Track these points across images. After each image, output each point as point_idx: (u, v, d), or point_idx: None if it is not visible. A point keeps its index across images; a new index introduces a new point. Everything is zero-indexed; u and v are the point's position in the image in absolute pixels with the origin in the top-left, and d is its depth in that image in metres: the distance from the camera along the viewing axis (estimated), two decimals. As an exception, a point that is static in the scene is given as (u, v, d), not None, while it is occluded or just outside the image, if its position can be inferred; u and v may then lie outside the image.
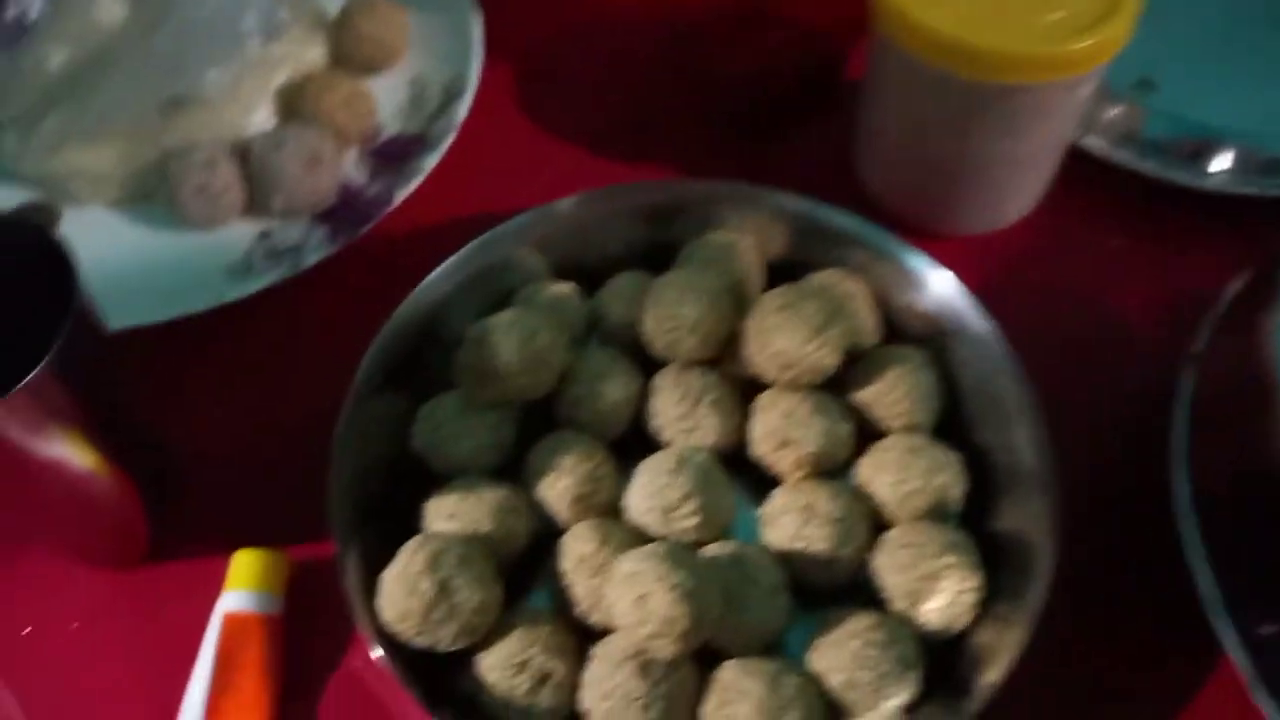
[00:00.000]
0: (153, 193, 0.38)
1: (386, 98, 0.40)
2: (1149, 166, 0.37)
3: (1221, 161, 0.37)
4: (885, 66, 0.33)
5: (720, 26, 0.40)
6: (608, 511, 0.28)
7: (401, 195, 0.36)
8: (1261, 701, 0.24)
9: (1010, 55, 0.30)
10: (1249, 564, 0.26)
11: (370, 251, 0.36)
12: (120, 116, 0.37)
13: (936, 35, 0.30)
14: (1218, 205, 0.37)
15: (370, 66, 0.41)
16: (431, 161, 0.37)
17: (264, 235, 0.36)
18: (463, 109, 0.38)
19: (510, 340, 0.28)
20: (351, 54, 0.40)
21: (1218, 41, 0.39)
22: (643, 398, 0.30)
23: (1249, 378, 0.28)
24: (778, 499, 0.28)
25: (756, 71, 0.40)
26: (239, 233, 0.37)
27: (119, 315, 0.29)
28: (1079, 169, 0.37)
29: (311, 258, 0.35)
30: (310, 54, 0.40)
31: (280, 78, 0.39)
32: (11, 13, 0.40)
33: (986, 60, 0.30)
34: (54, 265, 0.25)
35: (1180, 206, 0.37)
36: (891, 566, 0.27)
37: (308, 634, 0.29)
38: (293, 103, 0.39)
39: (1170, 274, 0.36)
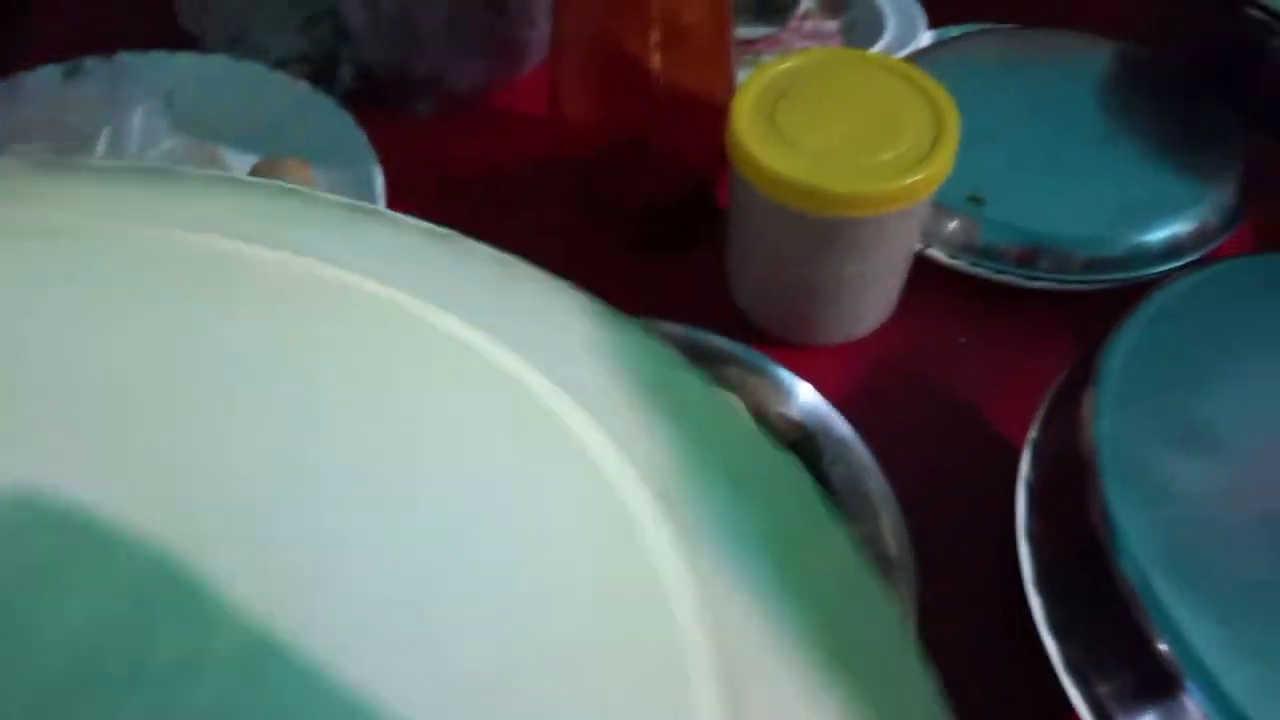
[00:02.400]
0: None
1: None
2: (985, 270, 0.42)
3: (1046, 264, 0.42)
4: (743, 201, 0.38)
5: (608, 161, 0.44)
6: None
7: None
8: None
9: (852, 195, 0.34)
10: (1086, 631, 0.30)
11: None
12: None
13: (785, 179, 0.35)
14: (1051, 301, 0.42)
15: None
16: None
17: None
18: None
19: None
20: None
21: (1040, 159, 0.44)
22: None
23: (1072, 459, 0.32)
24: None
25: (643, 201, 0.44)
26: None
27: None
28: (926, 277, 0.42)
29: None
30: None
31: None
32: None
33: (831, 199, 0.35)
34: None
35: (1018, 305, 0.42)
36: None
37: None
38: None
39: (1012, 366, 0.41)
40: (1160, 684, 0.28)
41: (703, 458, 0.20)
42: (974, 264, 0.42)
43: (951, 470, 0.37)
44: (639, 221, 0.44)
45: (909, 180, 0.34)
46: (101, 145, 0.43)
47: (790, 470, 0.24)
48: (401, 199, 0.45)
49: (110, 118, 0.44)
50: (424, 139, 0.49)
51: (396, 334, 0.19)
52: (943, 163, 0.35)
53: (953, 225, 0.42)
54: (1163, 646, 0.27)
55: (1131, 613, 0.28)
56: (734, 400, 0.28)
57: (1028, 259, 0.42)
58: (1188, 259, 0.42)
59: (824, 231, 0.36)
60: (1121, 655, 0.29)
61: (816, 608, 0.19)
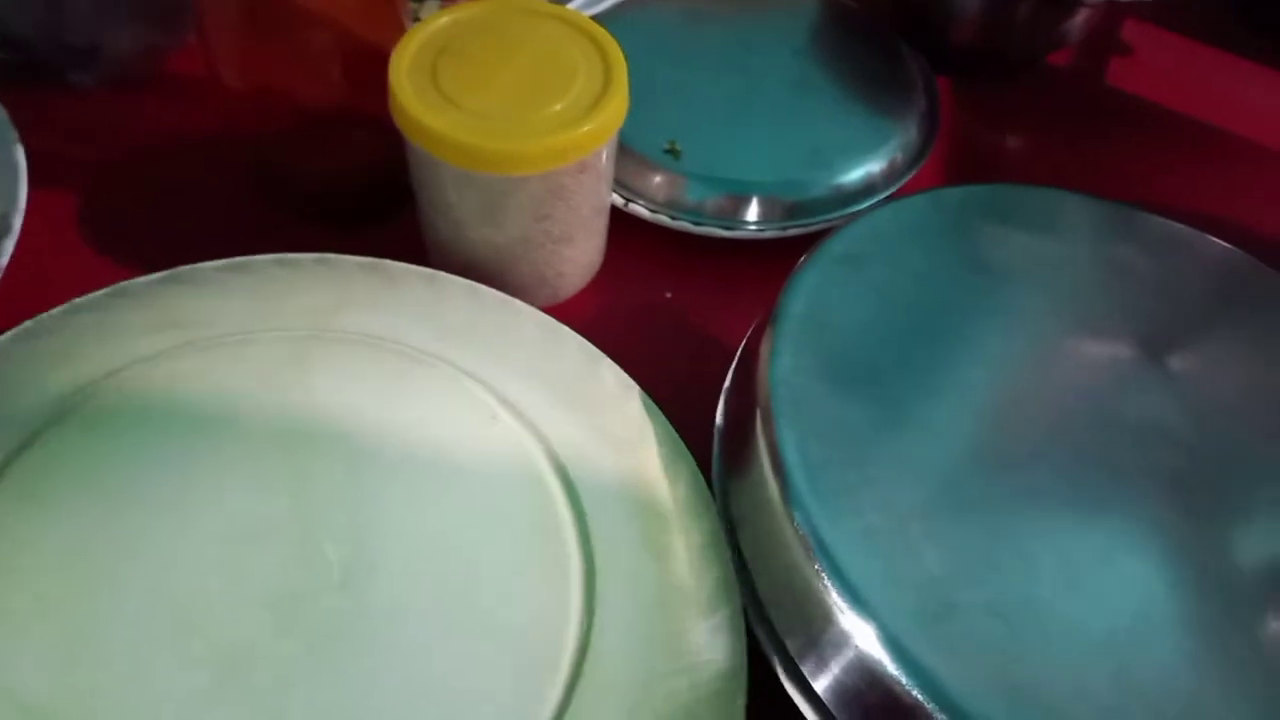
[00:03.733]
0: None
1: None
2: (687, 224, 0.41)
3: (752, 213, 0.42)
4: (416, 165, 0.36)
5: (303, 131, 0.41)
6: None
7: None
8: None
9: (518, 152, 0.33)
10: (768, 568, 0.30)
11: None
12: None
13: (448, 139, 0.33)
14: (760, 249, 0.42)
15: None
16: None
17: None
18: (8, 245, 0.37)
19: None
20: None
21: (739, 109, 0.44)
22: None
23: (751, 403, 0.32)
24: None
25: (341, 169, 0.41)
26: None
27: None
28: (633, 234, 0.41)
29: None
30: None
31: None
32: None
33: (498, 157, 0.33)
34: None
35: (726, 256, 0.42)
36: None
37: None
38: None
39: (718, 317, 0.40)
40: (822, 613, 0.28)
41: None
42: (675, 218, 0.41)
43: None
44: (340, 193, 0.42)
45: (575, 133, 0.33)
46: None
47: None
48: (53, 179, 0.41)
49: None
50: (84, 114, 0.45)
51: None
52: (612, 112, 0.34)
53: (657, 180, 0.42)
54: (825, 581, 0.27)
55: (798, 548, 0.29)
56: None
57: (732, 210, 0.42)
58: (881, 196, 0.43)
59: (497, 191, 0.34)
60: (792, 589, 0.29)
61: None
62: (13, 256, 0.37)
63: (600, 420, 0.32)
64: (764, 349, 0.33)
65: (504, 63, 0.35)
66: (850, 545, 0.28)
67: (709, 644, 0.28)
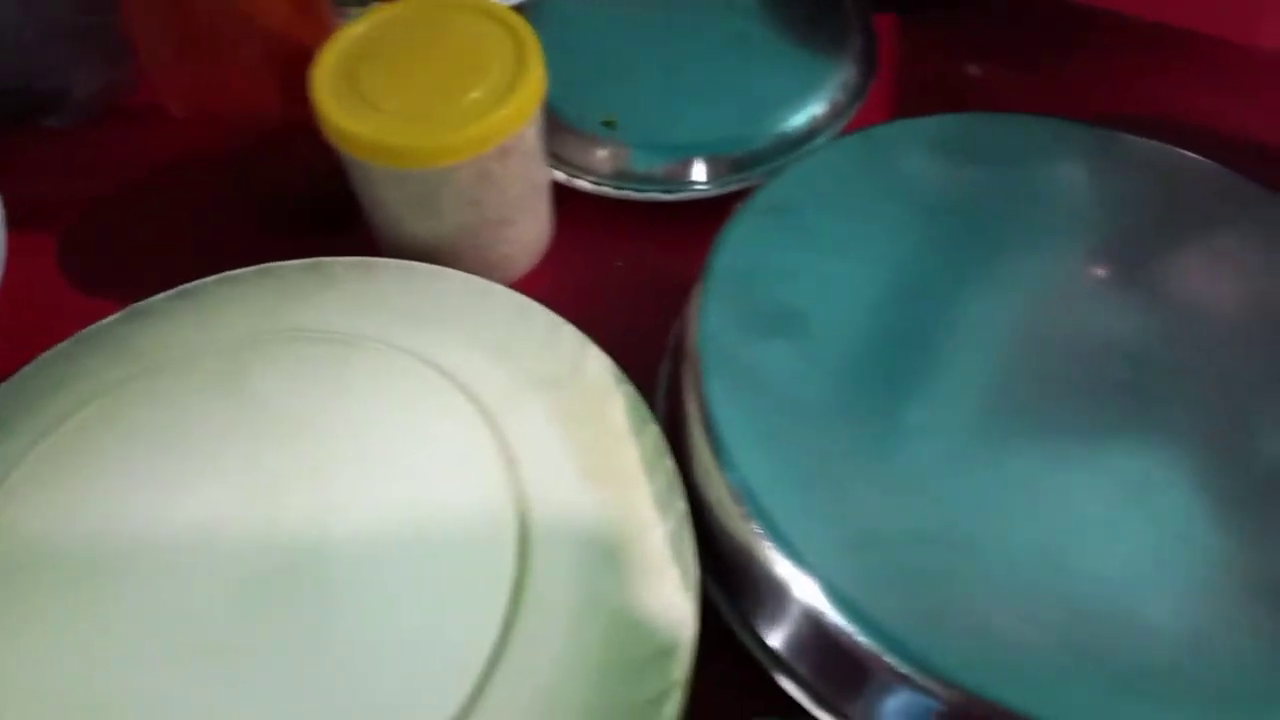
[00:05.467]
0: None
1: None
2: (632, 192, 0.42)
3: (699, 173, 0.43)
4: (351, 168, 0.37)
5: (254, 147, 0.42)
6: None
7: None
8: None
9: (438, 145, 0.34)
10: (703, 517, 0.31)
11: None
12: None
13: (369, 141, 0.34)
14: (713, 209, 0.43)
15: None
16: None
17: None
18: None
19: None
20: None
21: (674, 73, 0.44)
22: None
23: (684, 355, 0.33)
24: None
25: (295, 179, 0.43)
26: None
27: None
28: (582, 208, 0.43)
29: None
30: None
31: None
32: None
33: (419, 154, 0.34)
34: None
35: (678, 220, 0.43)
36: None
37: None
38: None
39: (670, 281, 0.41)
40: (752, 556, 0.29)
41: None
42: (620, 187, 0.42)
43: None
44: (281, 210, 0.44)
45: (492, 119, 0.34)
46: None
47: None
48: (33, 218, 0.43)
49: None
50: (58, 152, 0.47)
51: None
52: (527, 94, 0.35)
53: (599, 154, 0.43)
54: (753, 524, 0.28)
55: (730, 502, 0.30)
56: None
57: (677, 173, 0.43)
58: (821, 141, 0.43)
59: (426, 185, 0.36)
60: (722, 535, 0.30)
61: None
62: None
63: (537, 365, 0.34)
64: (693, 305, 0.34)
65: (419, 60, 0.36)
66: (781, 494, 0.29)
67: (660, 602, 0.30)
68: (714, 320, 0.33)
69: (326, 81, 0.35)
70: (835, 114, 0.44)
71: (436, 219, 0.37)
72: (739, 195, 0.42)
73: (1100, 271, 0.33)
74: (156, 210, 0.46)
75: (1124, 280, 0.33)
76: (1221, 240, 0.35)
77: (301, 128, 0.40)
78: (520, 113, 0.35)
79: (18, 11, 0.44)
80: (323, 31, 0.39)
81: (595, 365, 0.34)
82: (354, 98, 0.35)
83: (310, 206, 0.43)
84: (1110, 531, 0.28)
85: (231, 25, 0.37)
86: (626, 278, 0.42)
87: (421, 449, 0.31)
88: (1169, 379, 0.31)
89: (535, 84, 0.35)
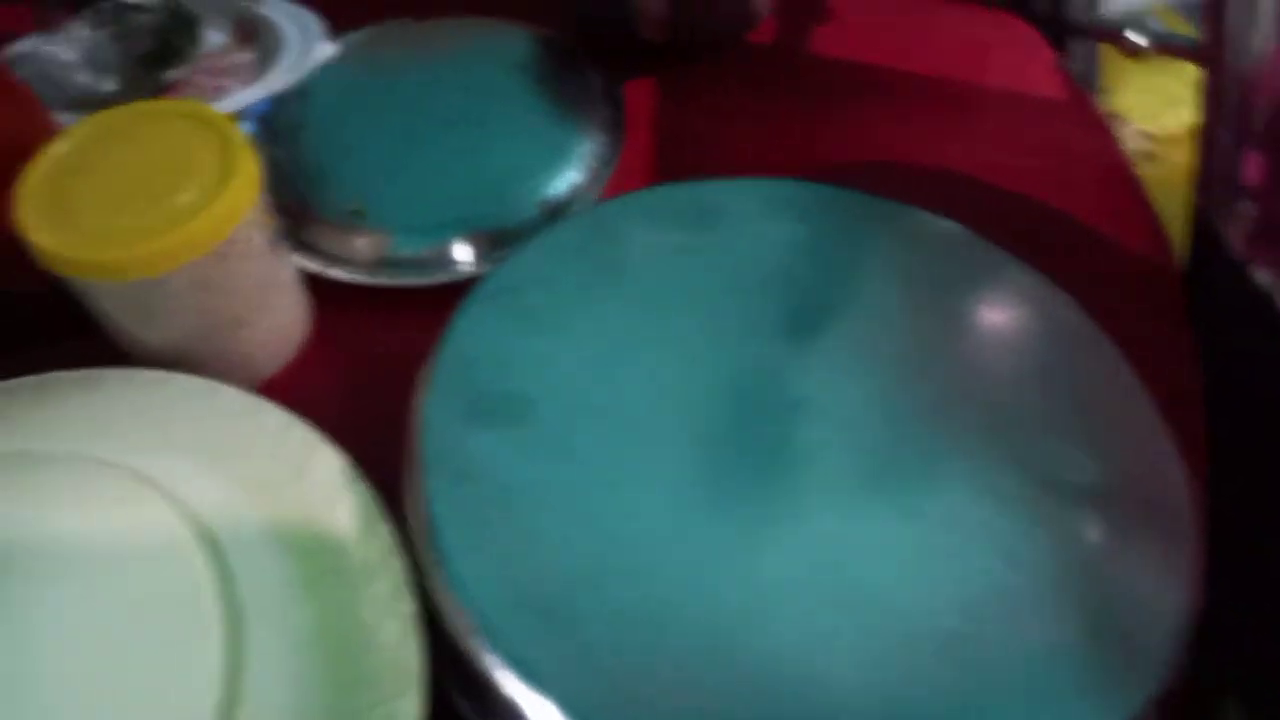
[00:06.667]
0: None
1: None
2: (386, 279, 0.42)
3: (458, 253, 0.42)
4: (70, 282, 0.36)
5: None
6: None
7: None
8: None
9: (146, 254, 0.33)
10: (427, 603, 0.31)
11: None
12: None
13: (69, 258, 0.33)
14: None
15: None
16: None
17: None
18: None
19: None
20: None
21: (422, 154, 0.44)
22: None
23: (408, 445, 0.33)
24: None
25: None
26: None
27: None
28: (340, 298, 0.42)
29: None
30: None
31: None
32: None
33: (129, 264, 0.34)
34: None
35: (438, 301, 0.42)
36: None
37: None
38: None
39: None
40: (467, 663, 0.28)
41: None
42: (374, 275, 0.42)
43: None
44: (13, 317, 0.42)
45: (193, 224, 0.34)
46: None
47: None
48: None
49: None
50: None
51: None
52: (234, 195, 0.34)
53: (351, 242, 0.42)
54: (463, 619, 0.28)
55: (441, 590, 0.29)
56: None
57: (436, 257, 0.42)
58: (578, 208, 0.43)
59: (142, 295, 0.35)
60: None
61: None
62: None
63: (258, 469, 0.33)
64: (417, 396, 0.33)
65: (126, 169, 0.35)
66: (491, 585, 0.29)
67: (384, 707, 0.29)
68: (435, 412, 0.33)
69: (30, 198, 0.34)
70: (587, 184, 0.44)
71: (161, 327, 0.36)
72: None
73: (806, 331, 0.34)
74: None
75: (828, 339, 0.34)
76: (930, 293, 0.35)
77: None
78: (231, 213, 0.35)
79: None
80: (44, 135, 0.38)
81: (325, 466, 0.34)
82: (59, 213, 0.34)
83: (28, 317, 0.42)
84: (802, 595, 0.28)
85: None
86: (384, 368, 0.41)
87: (124, 564, 0.30)
88: (864, 435, 0.31)
89: (245, 183, 0.35)
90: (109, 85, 0.50)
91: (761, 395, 0.33)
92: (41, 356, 0.39)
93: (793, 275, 0.35)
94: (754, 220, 0.37)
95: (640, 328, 0.34)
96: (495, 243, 0.42)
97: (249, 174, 0.35)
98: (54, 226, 0.34)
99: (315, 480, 0.33)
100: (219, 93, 0.48)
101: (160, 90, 0.50)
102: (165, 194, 0.34)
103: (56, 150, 0.36)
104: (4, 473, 0.32)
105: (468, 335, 0.34)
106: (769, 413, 0.32)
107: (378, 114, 0.46)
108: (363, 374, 0.41)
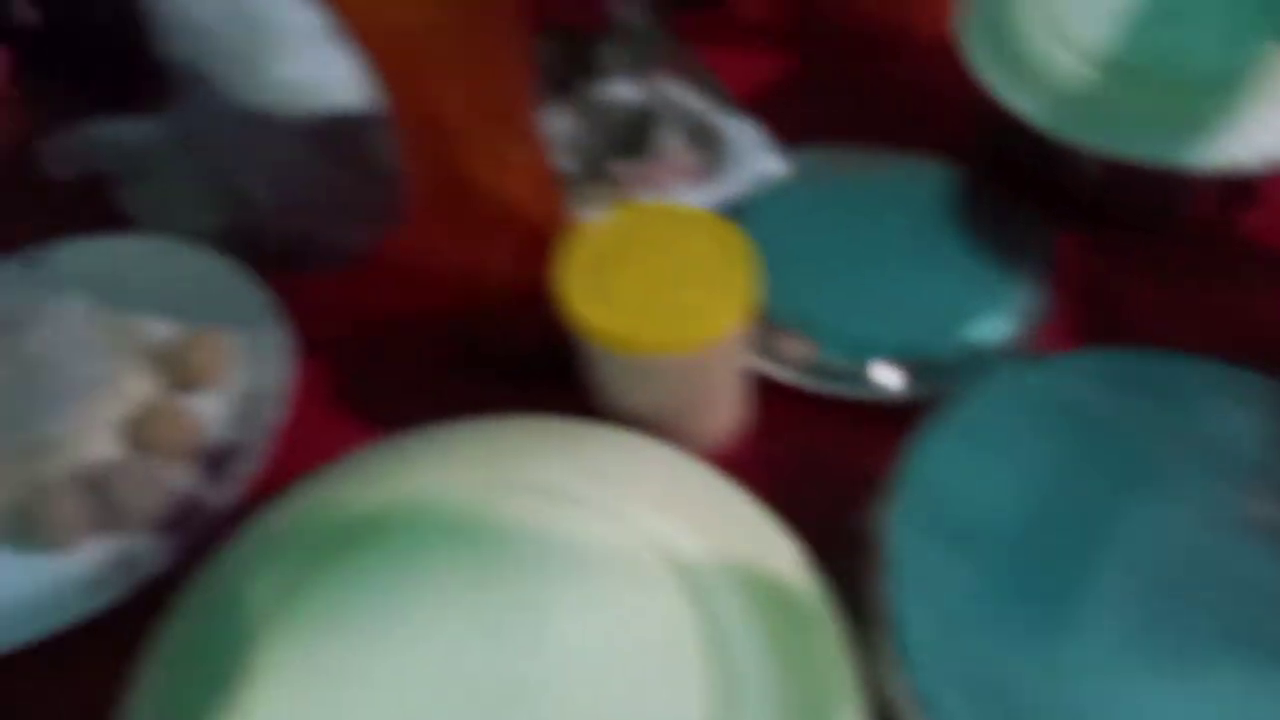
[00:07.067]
0: (12, 523, 0.45)
1: (213, 413, 0.49)
2: (818, 385, 0.47)
3: (883, 375, 0.47)
4: (580, 345, 0.43)
5: (498, 310, 0.48)
6: None
7: (233, 497, 0.44)
8: None
9: (663, 338, 0.40)
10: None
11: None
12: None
13: (605, 331, 0.40)
14: (891, 409, 0.46)
15: (197, 387, 0.49)
16: (250, 464, 0.45)
17: (115, 552, 0.44)
18: (279, 413, 0.47)
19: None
20: (181, 380, 0.49)
21: (868, 276, 0.49)
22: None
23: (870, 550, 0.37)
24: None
25: (521, 335, 0.49)
26: (93, 552, 0.44)
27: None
28: (773, 394, 0.47)
29: (161, 567, 0.42)
30: (147, 389, 0.49)
31: (118, 410, 0.47)
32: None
33: (644, 343, 0.40)
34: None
35: (861, 415, 0.47)
36: None
37: None
38: (131, 431, 0.47)
39: (848, 472, 0.45)
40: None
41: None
42: (808, 381, 0.47)
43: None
44: (503, 368, 0.49)
45: (710, 322, 0.40)
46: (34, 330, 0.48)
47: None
48: (315, 354, 0.50)
49: (44, 299, 0.50)
50: (328, 296, 0.54)
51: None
52: (743, 302, 0.40)
53: (791, 345, 0.47)
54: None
55: (906, 694, 0.33)
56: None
57: (862, 373, 0.47)
58: (1011, 356, 0.47)
59: (644, 369, 0.41)
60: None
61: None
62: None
63: (735, 543, 0.38)
64: (882, 508, 0.37)
65: (650, 260, 0.41)
66: (952, 695, 0.32)
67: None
68: (902, 526, 0.37)
69: (574, 272, 0.41)
70: (1018, 333, 0.47)
71: (647, 397, 0.42)
72: (919, 401, 0.45)
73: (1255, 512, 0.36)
74: (386, 354, 0.52)
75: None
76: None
77: (529, 295, 0.46)
78: (734, 316, 0.40)
79: (306, 174, 0.51)
80: (557, 213, 0.45)
81: (785, 549, 0.38)
82: (593, 289, 0.40)
83: (528, 364, 0.49)
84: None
85: (480, 199, 0.43)
86: (807, 465, 0.46)
87: (626, 618, 0.35)
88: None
89: (748, 292, 0.40)
90: (569, 165, 0.57)
91: (1202, 562, 0.35)
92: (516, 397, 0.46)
93: (1263, 467, 0.37)
94: (1200, 396, 0.39)
95: (1095, 482, 0.37)
96: (919, 371, 0.46)
97: (753, 284, 0.40)
98: (590, 300, 0.40)
99: (782, 561, 0.38)
100: (666, 191, 0.55)
101: (612, 178, 0.57)
102: (683, 286, 0.40)
103: (595, 235, 0.42)
104: (527, 497, 0.38)
105: (931, 460, 0.38)
106: (1211, 588, 0.34)
107: (815, 230, 0.51)
108: (792, 466, 0.46)
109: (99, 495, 0.45)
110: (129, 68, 0.55)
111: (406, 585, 0.36)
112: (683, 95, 0.58)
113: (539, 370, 0.49)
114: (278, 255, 0.55)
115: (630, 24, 0.58)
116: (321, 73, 0.49)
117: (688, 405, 0.43)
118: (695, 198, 0.54)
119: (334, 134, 0.50)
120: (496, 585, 0.35)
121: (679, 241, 0.42)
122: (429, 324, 0.52)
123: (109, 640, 0.40)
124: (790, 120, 0.57)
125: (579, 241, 0.42)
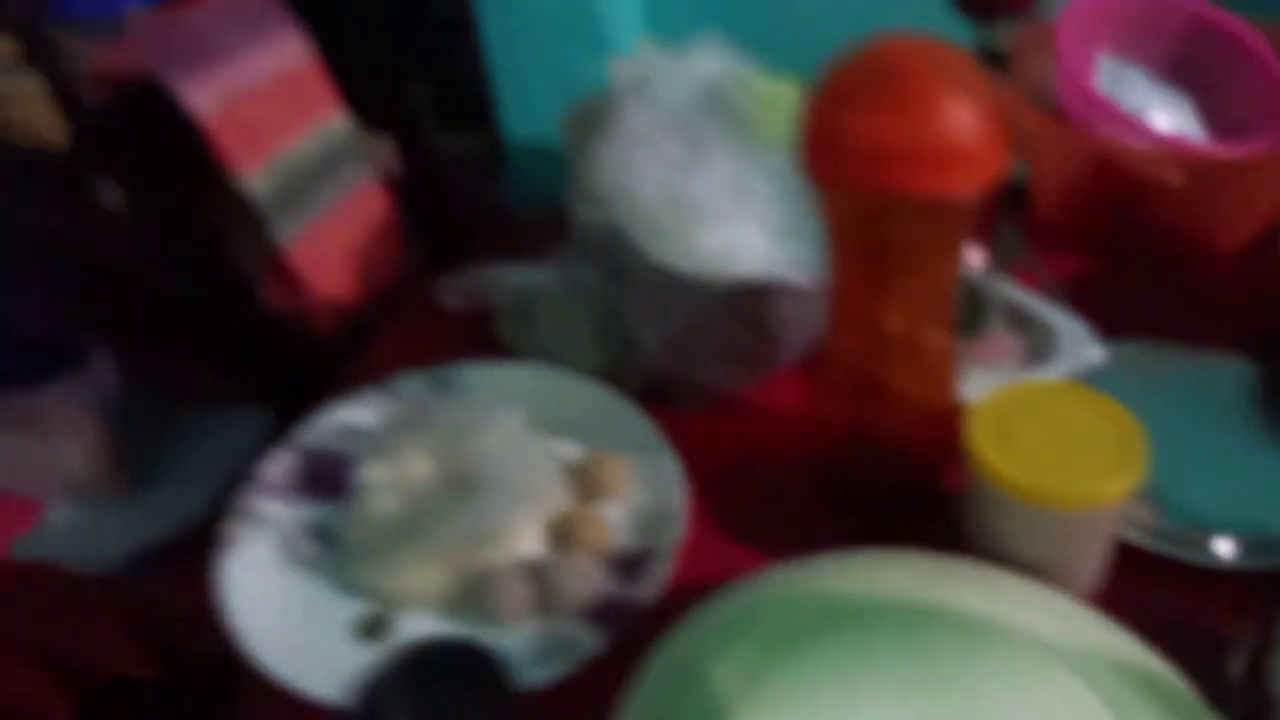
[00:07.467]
0: (462, 600, 0.53)
1: (618, 522, 0.57)
2: (1163, 548, 0.53)
3: (1223, 545, 0.52)
4: (975, 493, 0.50)
5: (846, 449, 0.56)
6: None
7: (653, 595, 0.51)
8: None
9: (1068, 493, 0.46)
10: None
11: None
12: (443, 548, 0.54)
13: (1014, 481, 0.47)
14: (1220, 576, 0.52)
15: (604, 498, 0.58)
16: (665, 569, 0.53)
17: (554, 634, 0.52)
18: (680, 527, 0.55)
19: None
20: (590, 492, 0.58)
21: (1205, 455, 0.56)
22: None
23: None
24: None
25: (876, 482, 0.56)
26: (534, 631, 0.52)
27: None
28: (1127, 555, 0.53)
29: (596, 652, 0.49)
30: (563, 498, 0.57)
31: (546, 513, 0.56)
32: (354, 477, 0.58)
33: (1051, 496, 0.46)
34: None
35: (1196, 581, 0.52)
36: None
37: None
38: (556, 530, 0.55)
39: (1191, 631, 0.50)
40: None
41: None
42: (1155, 544, 0.53)
43: None
44: (870, 506, 0.57)
45: (1109, 485, 0.46)
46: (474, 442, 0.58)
47: None
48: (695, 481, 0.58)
49: (479, 414, 0.59)
50: (691, 430, 0.62)
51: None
52: (1131, 474, 0.47)
53: (1142, 513, 0.53)
54: None
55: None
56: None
57: (1201, 541, 0.52)
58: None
59: (1037, 518, 0.48)
60: None
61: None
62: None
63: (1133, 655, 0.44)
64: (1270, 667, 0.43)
65: (1047, 426, 0.49)
66: None
67: None
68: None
69: (982, 431, 0.48)
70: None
71: (1033, 546, 0.49)
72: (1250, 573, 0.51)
73: None
74: (751, 488, 0.60)
75: None
76: None
77: (916, 452, 0.53)
78: (1128, 481, 0.47)
79: (707, 327, 0.61)
80: (950, 398, 0.53)
81: (1172, 672, 0.43)
82: (1000, 446, 0.48)
83: (899, 505, 0.56)
84: None
85: (890, 393, 0.52)
86: (1147, 620, 0.51)
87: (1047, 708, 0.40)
88: None
89: (1139, 465, 0.47)
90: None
91: None
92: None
93: None
94: None
95: None
96: (1253, 549, 0.52)
97: (1142, 457, 0.47)
98: (996, 451, 0.47)
99: (1170, 677, 0.43)
100: (997, 370, 0.62)
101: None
102: (1078, 451, 0.47)
103: (998, 398, 0.50)
104: (947, 620, 0.44)
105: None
106: None
107: (1158, 414, 0.56)
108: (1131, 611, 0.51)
109: (539, 583, 0.52)
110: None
111: (858, 671, 0.41)
112: (1004, 284, 0.67)
113: (904, 512, 0.56)
114: (643, 390, 0.64)
115: (1003, 228, 0.68)
116: (735, 244, 0.60)
117: (1062, 558, 0.49)
118: (1023, 378, 0.62)
119: (740, 296, 0.60)
120: (936, 671, 0.40)
121: (1071, 413, 0.49)
122: (790, 461, 0.60)
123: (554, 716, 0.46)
124: (1100, 316, 0.65)
125: (986, 406, 0.50)
